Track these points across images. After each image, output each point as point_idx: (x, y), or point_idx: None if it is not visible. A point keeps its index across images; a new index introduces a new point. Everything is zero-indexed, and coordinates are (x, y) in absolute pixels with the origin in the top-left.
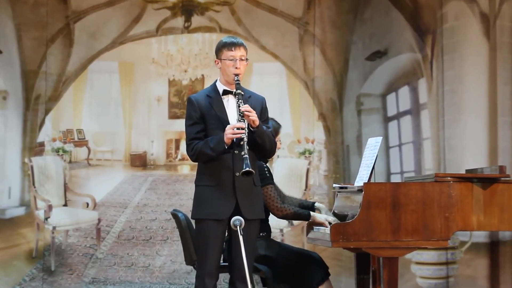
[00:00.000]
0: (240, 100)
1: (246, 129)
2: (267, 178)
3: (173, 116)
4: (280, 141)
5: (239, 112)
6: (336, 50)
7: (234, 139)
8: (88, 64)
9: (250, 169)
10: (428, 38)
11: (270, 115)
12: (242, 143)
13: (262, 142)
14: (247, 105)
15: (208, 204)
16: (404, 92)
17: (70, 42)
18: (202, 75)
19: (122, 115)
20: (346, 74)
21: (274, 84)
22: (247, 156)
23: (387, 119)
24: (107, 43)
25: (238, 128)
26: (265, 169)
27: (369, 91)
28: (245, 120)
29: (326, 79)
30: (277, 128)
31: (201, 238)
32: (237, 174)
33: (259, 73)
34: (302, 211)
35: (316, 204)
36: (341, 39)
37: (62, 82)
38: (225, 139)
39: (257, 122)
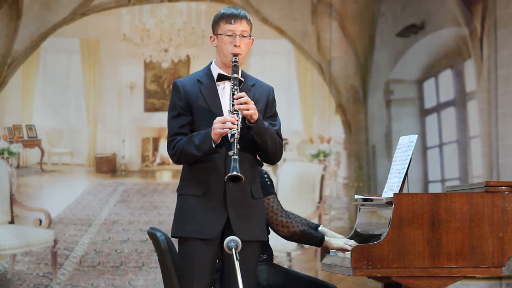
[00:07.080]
0: (235, 87)
1: (239, 123)
2: (267, 187)
3: (150, 108)
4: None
5: (232, 101)
6: (359, 23)
7: (228, 135)
8: (41, 42)
9: (238, 174)
10: (477, 8)
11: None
12: (232, 140)
13: (262, 142)
14: (243, 93)
15: (191, 219)
16: (446, 77)
17: (17, 13)
18: (187, 56)
19: (85, 107)
20: (371, 55)
21: (279, 67)
22: (236, 157)
23: (424, 112)
24: (65, 14)
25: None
26: (265, 176)
27: (401, 77)
28: (239, 112)
29: (346, 61)
30: None
31: (184, 264)
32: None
33: (260, 53)
34: (313, 232)
35: (320, 228)
36: (366, 10)
37: (7, 65)
38: (212, 135)
39: (256, 116)
